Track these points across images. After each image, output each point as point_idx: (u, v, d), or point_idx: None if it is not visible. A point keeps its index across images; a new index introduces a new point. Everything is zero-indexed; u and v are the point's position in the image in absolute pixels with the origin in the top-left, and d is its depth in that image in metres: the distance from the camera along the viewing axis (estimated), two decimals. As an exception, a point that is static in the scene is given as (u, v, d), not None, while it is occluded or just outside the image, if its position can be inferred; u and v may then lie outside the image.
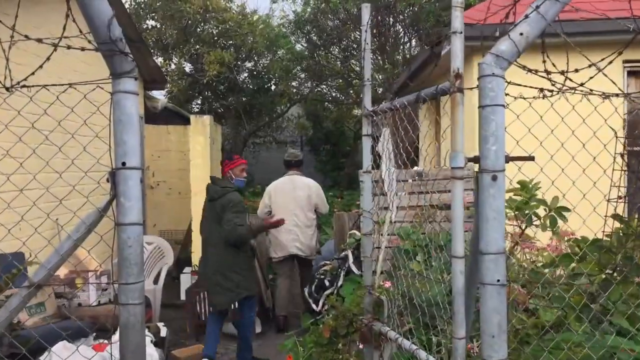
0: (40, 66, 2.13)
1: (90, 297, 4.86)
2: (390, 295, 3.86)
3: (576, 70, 1.98)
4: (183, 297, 7.23)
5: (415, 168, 6.24)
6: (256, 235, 5.52)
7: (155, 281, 6.52)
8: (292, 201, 6.67)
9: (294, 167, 7.05)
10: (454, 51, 1.98)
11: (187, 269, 7.52)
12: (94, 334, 4.55)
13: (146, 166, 9.00)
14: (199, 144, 7.36)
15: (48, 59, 2.11)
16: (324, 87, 14.45)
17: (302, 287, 6.43)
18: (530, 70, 2.02)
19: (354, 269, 5.67)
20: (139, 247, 2.01)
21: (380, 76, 11.48)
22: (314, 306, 5.83)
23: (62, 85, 2.07)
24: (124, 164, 2.00)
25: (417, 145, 8.29)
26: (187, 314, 6.13)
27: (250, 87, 13.92)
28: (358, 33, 12.58)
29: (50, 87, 2.13)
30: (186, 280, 7.30)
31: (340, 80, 13.07)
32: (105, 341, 4.58)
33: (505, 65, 1.96)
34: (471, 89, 2.02)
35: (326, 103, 15.73)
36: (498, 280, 1.92)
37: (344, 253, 5.95)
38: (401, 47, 12.53)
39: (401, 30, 11.73)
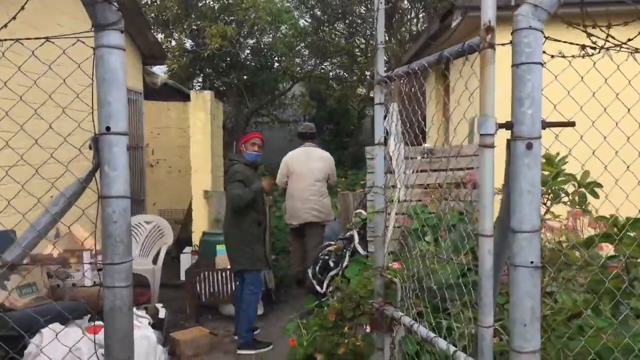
0: (14, 17, 1.88)
1: (85, 277, 4.65)
2: (402, 276, 3.64)
3: (625, 23, 1.73)
4: (183, 277, 7.04)
5: (425, 145, 6.00)
6: (253, 195, 5.27)
7: (154, 261, 6.32)
8: (309, 172, 6.87)
9: (308, 139, 7.16)
10: (485, 1, 1.73)
11: (187, 249, 7.33)
12: (89, 315, 4.35)
13: (145, 144, 8.75)
14: (199, 120, 7.12)
15: (23, 7, 1.86)
16: (328, 64, 14.12)
17: (309, 248, 6.89)
18: (571, 25, 1.77)
19: (359, 249, 5.46)
20: (125, 222, 1.79)
21: (387, 53, 11.14)
22: (318, 288, 5.63)
23: (38, 39, 1.82)
24: (108, 128, 1.76)
25: (424, 122, 8.05)
26: (187, 295, 5.94)
27: (253, 64, 13.60)
28: (363, 8, 12.25)
29: (25, 42, 1.88)
30: (186, 260, 7.11)
31: (345, 58, 12.74)
32: (101, 323, 4.40)
33: (543, 16, 1.71)
34: (504, 44, 1.77)
35: (330, 81, 15.43)
36: (532, 262, 1.70)
37: (349, 233, 5.73)
38: (407, 22, 12.19)
39: (407, 4, 11.39)
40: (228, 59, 13.76)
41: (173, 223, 8.81)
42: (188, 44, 13.66)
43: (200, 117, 7.09)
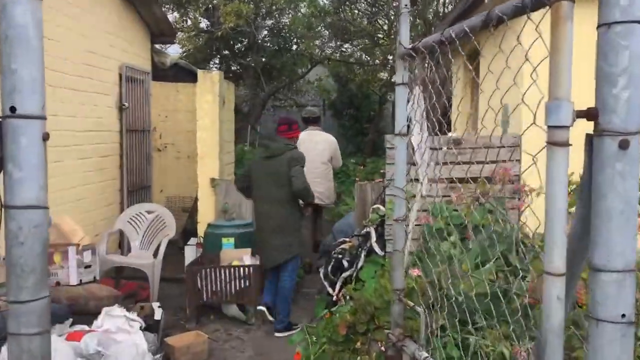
0: None
1: (71, 275, 4.20)
2: (422, 289, 3.15)
3: None
4: (187, 271, 6.60)
5: (451, 134, 5.43)
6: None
7: (155, 254, 5.87)
8: (315, 155, 6.84)
9: (311, 123, 7.35)
10: None
11: (192, 240, 6.87)
12: (71, 319, 3.91)
13: (153, 127, 8.28)
14: (206, 103, 6.61)
15: None
16: (348, 47, 13.49)
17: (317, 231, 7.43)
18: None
19: (376, 248, 4.93)
20: (38, 244, 1.26)
21: (412, 33, 10.53)
22: (329, 290, 5.12)
23: None
24: (12, 109, 1.23)
25: (449, 109, 7.46)
26: (187, 293, 5.48)
27: (270, 46, 13.05)
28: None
29: None
30: (190, 252, 6.65)
31: (367, 40, 12.10)
32: (86, 327, 3.94)
33: (650, -47, 1.16)
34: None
35: (351, 64, 14.79)
36: (623, 316, 1.16)
37: (365, 230, 5.20)
38: (435, 1, 11.51)
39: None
40: (245, 40, 13.23)
41: (180, 211, 8.40)
42: (203, 23, 13.16)
43: (207, 99, 6.59)
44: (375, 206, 5.14)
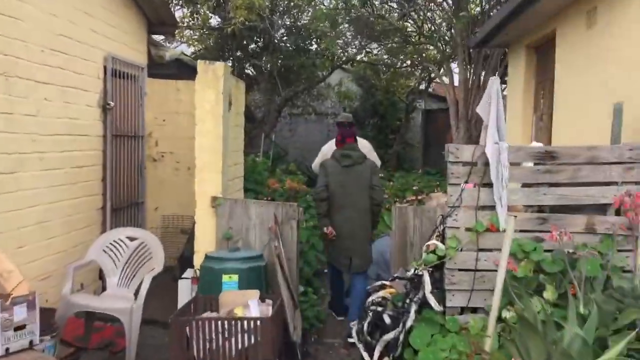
0: None
1: (-8, 342, 2.85)
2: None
3: None
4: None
5: (535, 143, 4.04)
6: None
7: (136, 294, 4.54)
8: None
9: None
10: None
11: (188, 272, 5.52)
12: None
13: (148, 132, 6.98)
14: (207, 102, 5.28)
15: None
16: (375, 47, 12.13)
17: None
18: None
19: (432, 302, 3.55)
20: None
21: (451, 29, 9.16)
22: (365, 355, 3.74)
23: None
24: None
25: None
26: (173, 350, 4.10)
27: (288, 46, 11.74)
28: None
29: None
30: (185, 289, 5.31)
31: (396, 39, 10.69)
32: None
33: None
34: None
35: (378, 66, 13.44)
36: None
37: (414, 272, 3.80)
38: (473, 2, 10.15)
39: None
40: (260, 39, 11.96)
41: (179, 233, 7.07)
42: (214, 20, 11.92)
43: (208, 97, 5.25)
44: (430, 242, 3.73)
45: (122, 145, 6.24)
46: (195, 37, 12.54)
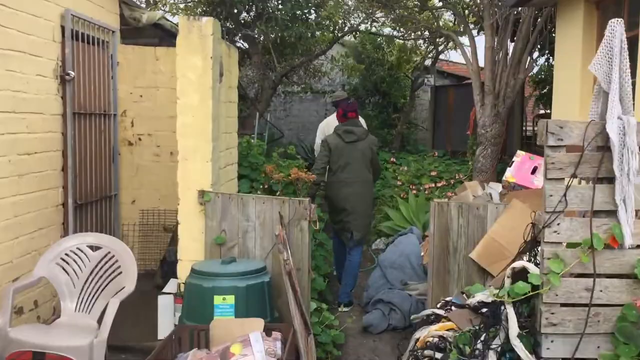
0: None
1: None
2: None
3: None
4: (160, 334, 4.17)
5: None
6: None
7: (100, 321, 3.42)
8: None
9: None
10: None
11: (171, 284, 4.42)
12: None
13: (121, 111, 5.80)
14: (192, 70, 4.12)
15: None
16: (381, 16, 10.87)
17: None
18: None
19: (521, 353, 2.43)
20: None
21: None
22: None
23: None
24: None
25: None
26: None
27: (283, 14, 10.48)
28: None
29: None
30: (166, 308, 4.20)
31: (410, 4, 9.36)
32: None
33: None
34: None
35: (383, 39, 12.22)
36: None
37: (488, 299, 2.69)
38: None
39: None
40: (252, 6, 10.71)
41: (161, 231, 5.93)
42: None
43: (193, 64, 4.09)
44: (515, 265, 2.61)
45: (87, 126, 5.06)
46: (180, 3, 11.27)
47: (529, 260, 2.61)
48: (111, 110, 5.54)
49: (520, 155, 4.46)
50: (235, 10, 10.84)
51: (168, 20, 6.96)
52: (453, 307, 2.98)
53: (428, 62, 13.47)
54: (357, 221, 5.32)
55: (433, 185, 7.55)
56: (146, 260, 5.87)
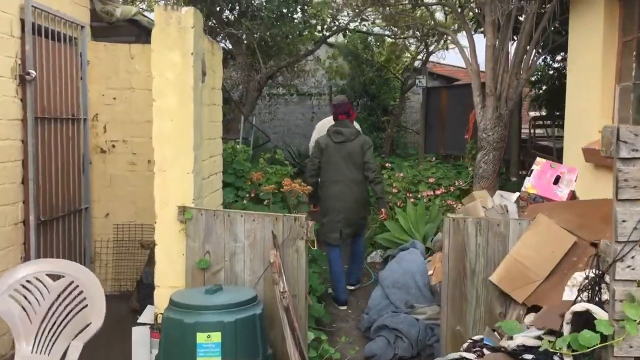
0: None
1: None
2: None
3: None
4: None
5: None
6: None
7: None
8: None
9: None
10: None
11: (147, 312, 3.86)
12: None
13: (92, 115, 5.24)
14: (170, 68, 3.59)
15: None
16: (371, 13, 10.39)
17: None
18: None
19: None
20: None
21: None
22: None
23: None
24: None
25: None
26: None
27: (270, 12, 9.95)
28: None
29: None
30: (141, 343, 3.65)
31: (403, 1, 8.88)
32: None
33: None
34: None
35: (373, 38, 11.75)
36: None
37: (524, 338, 2.19)
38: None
39: None
40: (236, 4, 10.17)
41: (138, 248, 5.38)
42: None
43: (172, 61, 3.55)
44: (578, 307, 2.11)
45: (53, 132, 4.50)
46: (159, 0, 10.68)
47: (589, 300, 2.12)
48: (80, 115, 4.98)
49: (539, 163, 3.99)
50: (218, 8, 10.30)
51: (145, 16, 6.39)
52: (485, 350, 2.48)
53: (417, 63, 13.04)
54: (346, 220, 5.40)
55: (432, 193, 7.06)
56: (121, 280, 5.31)
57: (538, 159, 4.03)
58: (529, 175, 3.95)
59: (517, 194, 4.75)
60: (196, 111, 3.68)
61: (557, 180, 3.89)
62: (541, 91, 10.79)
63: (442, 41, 11.92)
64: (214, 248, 3.60)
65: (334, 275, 5.40)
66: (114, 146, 5.34)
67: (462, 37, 8.27)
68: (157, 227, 3.65)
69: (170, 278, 3.62)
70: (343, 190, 5.40)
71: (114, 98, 5.29)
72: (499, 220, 3.53)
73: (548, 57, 10.02)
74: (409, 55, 12.90)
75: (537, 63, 8.56)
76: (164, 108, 3.60)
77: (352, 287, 5.68)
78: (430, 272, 4.49)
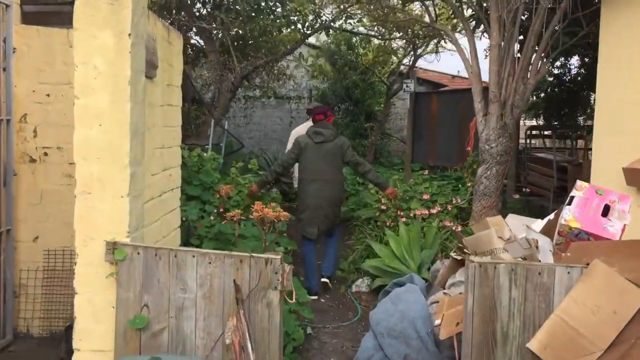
0: None
1: None
2: None
3: None
4: None
5: None
6: None
7: None
8: None
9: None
10: None
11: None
12: None
13: (20, 116, 4.25)
14: (98, 54, 2.64)
15: None
16: (357, 11, 9.53)
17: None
18: None
19: None
20: None
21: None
22: None
23: None
24: None
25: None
26: None
27: (245, 5, 9.01)
28: None
29: None
30: None
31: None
32: None
33: None
34: None
35: (358, 37, 10.89)
36: None
37: None
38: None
39: None
40: (209, -1, 9.24)
41: (74, 277, 4.36)
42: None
43: (102, 44, 2.62)
44: None
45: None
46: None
47: None
48: (3, 115, 3.99)
49: (582, 189, 3.11)
50: (189, 1, 9.33)
51: None
52: None
53: (403, 67, 12.25)
54: (323, 217, 5.63)
55: (426, 211, 6.17)
56: (52, 319, 4.30)
57: (579, 182, 3.15)
58: (569, 204, 3.07)
59: (542, 221, 3.88)
60: (135, 113, 2.73)
61: (605, 212, 3.02)
62: (538, 99, 10.02)
63: (432, 43, 11.13)
64: (155, 300, 2.65)
65: (308, 267, 5.66)
66: (46, 154, 4.33)
67: (460, 38, 7.46)
68: (77, 271, 2.69)
69: (94, 340, 2.67)
70: (321, 188, 5.65)
71: (47, 95, 4.29)
72: (540, 267, 2.65)
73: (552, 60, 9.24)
74: (395, 58, 12.06)
75: (547, 67, 7.74)
76: (89, 109, 2.64)
77: (325, 280, 5.77)
78: (437, 322, 3.57)
